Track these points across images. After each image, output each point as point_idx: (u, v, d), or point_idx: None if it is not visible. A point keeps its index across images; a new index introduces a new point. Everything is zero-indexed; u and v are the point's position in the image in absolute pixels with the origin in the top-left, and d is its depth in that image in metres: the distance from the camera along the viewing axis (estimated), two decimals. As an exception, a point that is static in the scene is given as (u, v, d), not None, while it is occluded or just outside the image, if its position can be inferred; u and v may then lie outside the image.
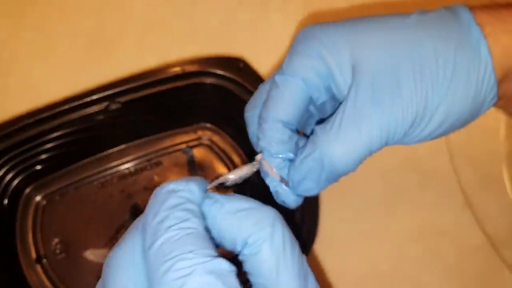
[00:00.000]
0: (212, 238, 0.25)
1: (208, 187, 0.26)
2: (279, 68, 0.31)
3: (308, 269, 0.24)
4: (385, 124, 0.27)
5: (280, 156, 0.29)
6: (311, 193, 0.29)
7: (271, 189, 0.30)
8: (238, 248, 0.24)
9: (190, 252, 0.21)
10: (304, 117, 0.32)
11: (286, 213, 0.43)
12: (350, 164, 0.28)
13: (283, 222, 0.25)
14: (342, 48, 0.28)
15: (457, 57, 0.27)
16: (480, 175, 0.51)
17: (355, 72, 0.28)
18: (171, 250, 0.21)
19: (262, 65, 0.53)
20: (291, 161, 0.30)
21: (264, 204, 0.25)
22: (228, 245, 0.25)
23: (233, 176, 0.29)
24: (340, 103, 0.29)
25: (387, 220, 0.50)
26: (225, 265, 0.21)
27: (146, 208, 0.24)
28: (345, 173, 0.28)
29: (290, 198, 0.30)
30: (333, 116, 0.28)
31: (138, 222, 0.24)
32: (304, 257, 0.24)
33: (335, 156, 0.27)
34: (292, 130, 0.30)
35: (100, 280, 0.24)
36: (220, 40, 0.56)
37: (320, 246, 0.46)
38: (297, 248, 0.24)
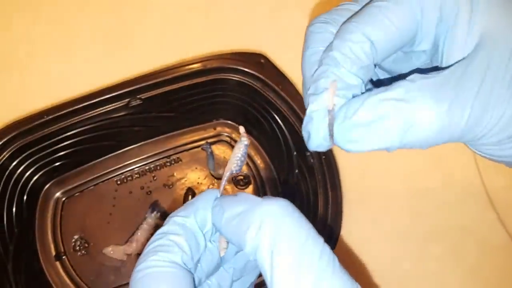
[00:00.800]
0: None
1: (219, 193, 0.25)
2: None
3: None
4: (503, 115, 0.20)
5: (352, 76, 0.22)
6: (356, 147, 0.22)
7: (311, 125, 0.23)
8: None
9: None
10: (386, 56, 0.24)
11: (309, 214, 0.43)
12: (431, 140, 0.21)
13: (276, 216, 0.21)
14: (483, 3, 0.21)
15: None
16: (503, 175, 0.50)
17: (484, 41, 0.21)
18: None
19: (281, 60, 0.53)
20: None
21: (260, 200, 0.22)
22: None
23: (234, 164, 0.26)
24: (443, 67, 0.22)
25: (410, 219, 0.49)
26: None
27: None
28: (416, 144, 0.21)
29: (323, 145, 0.23)
30: (448, 71, 0.21)
31: None
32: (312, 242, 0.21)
33: (430, 121, 0.20)
34: (373, 63, 0.23)
35: None
36: (239, 35, 0.55)
37: (343, 245, 0.46)
38: (297, 240, 0.21)
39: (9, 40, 0.54)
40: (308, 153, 0.44)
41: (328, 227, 0.42)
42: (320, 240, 0.21)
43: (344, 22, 0.23)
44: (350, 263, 0.47)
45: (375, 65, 0.23)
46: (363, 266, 0.47)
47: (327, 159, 0.43)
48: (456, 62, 0.21)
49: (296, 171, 0.47)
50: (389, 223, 0.49)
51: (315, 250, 0.20)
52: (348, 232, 0.45)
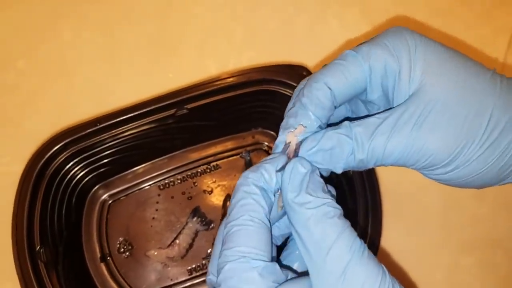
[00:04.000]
0: None
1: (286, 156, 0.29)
2: (354, 47, 0.31)
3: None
4: (429, 149, 0.28)
5: (313, 117, 0.29)
6: (320, 166, 0.29)
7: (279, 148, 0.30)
8: None
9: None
10: (346, 102, 0.32)
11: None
12: (369, 162, 0.29)
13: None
14: (420, 60, 0.29)
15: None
16: (536, 189, 0.51)
17: (421, 88, 0.28)
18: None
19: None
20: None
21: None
22: None
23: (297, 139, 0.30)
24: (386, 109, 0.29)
25: (443, 230, 0.50)
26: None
27: None
28: (360, 166, 0.30)
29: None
30: (386, 113, 0.29)
31: None
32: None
33: (376, 147, 0.28)
34: (333, 105, 0.30)
35: None
36: (279, 45, 0.56)
37: (380, 254, 0.47)
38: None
39: (56, 48, 0.56)
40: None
41: (368, 234, 0.43)
42: None
43: (314, 73, 0.31)
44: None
45: (335, 107, 0.30)
46: (400, 274, 0.48)
47: (368, 171, 0.45)
48: (385, 111, 0.29)
49: (334, 181, 0.48)
50: (422, 234, 0.50)
51: None
52: (385, 242, 0.47)
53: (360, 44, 0.31)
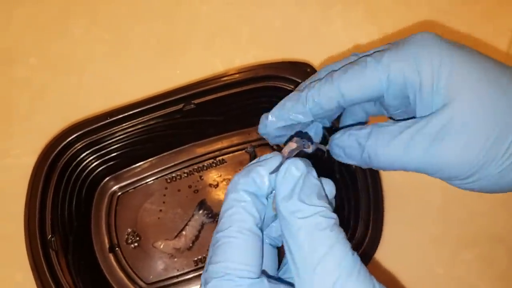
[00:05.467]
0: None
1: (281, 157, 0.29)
2: (373, 52, 0.31)
3: None
4: (449, 163, 0.27)
5: (309, 113, 0.31)
6: (337, 159, 0.32)
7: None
8: None
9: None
10: (354, 112, 0.34)
11: (348, 223, 0.45)
12: (386, 166, 0.29)
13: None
14: (445, 73, 0.27)
15: None
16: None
17: (445, 103, 0.27)
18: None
19: (325, 69, 0.55)
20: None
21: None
22: None
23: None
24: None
25: (444, 225, 0.51)
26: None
27: None
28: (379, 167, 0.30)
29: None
30: (407, 122, 0.28)
31: None
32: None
33: (386, 154, 0.29)
34: (340, 107, 0.31)
35: None
36: (284, 44, 0.57)
37: (380, 249, 0.48)
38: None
39: (67, 45, 0.57)
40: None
41: (369, 230, 0.44)
42: None
43: (328, 74, 0.31)
44: (388, 267, 0.49)
45: (343, 107, 0.31)
46: (397, 269, 0.49)
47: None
48: (407, 119, 0.29)
49: (338, 176, 0.49)
50: (423, 229, 0.51)
51: None
52: (385, 237, 0.47)
53: (382, 51, 0.30)
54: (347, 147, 0.31)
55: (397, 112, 0.32)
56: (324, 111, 0.31)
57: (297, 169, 0.26)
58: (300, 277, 0.24)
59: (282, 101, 0.34)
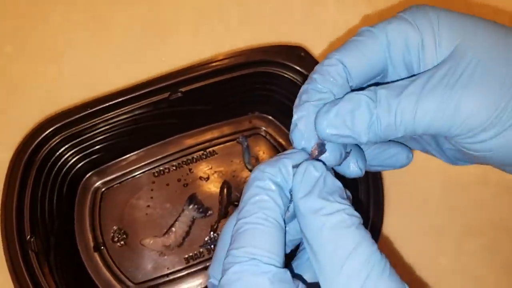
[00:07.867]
0: None
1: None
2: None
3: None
4: (465, 110, 0.25)
5: (325, 91, 0.27)
6: (334, 131, 0.26)
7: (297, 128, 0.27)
8: None
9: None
10: (361, 81, 0.29)
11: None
12: (398, 128, 0.26)
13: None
14: (446, 27, 0.26)
15: None
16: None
17: (453, 50, 0.26)
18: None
19: (320, 53, 0.53)
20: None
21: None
22: None
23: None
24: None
25: (447, 214, 0.49)
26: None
27: None
28: (389, 135, 0.26)
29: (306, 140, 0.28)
30: (415, 76, 0.26)
31: None
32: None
33: (405, 110, 0.25)
34: (348, 84, 0.27)
35: None
36: (276, 26, 0.55)
37: (382, 238, 0.46)
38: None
39: (46, 32, 0.54)
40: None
41: (370, 219, 0.42)
42: None
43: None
44: (390, 259, 0.47)
45: (351, 87, 0.28)
46: (403, 260, 0.47)
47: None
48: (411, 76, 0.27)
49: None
50: (426, 218, 0.49)
51: None
52: (387, 226, 0.46)
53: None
54: (354, 110, 0.26)
55: None
56: (333, 86, 0.27)
57: (316, 169, 0.25)
58: (325, 276, 0.23)
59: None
